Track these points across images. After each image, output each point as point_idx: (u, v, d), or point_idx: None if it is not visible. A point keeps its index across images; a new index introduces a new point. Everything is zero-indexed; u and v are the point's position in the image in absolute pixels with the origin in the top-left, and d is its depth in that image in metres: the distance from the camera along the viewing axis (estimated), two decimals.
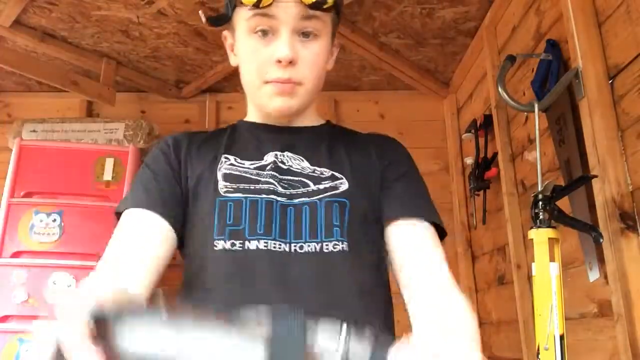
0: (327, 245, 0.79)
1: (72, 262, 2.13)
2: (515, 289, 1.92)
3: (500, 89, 1.54)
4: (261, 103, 0.87)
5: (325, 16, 0.83)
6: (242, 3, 0.80)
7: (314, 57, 0.83)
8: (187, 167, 0.87)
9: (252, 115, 0.94)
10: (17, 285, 2.08)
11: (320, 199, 0.82)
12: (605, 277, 1.31)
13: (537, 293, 1.10)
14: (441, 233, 0.86)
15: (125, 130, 2.44)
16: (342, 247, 0.79)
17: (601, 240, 1.15)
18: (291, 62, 0.80)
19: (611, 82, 1.33)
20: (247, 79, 0.86)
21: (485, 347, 2.48)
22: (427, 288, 0.77)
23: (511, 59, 1.59)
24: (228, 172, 0.84)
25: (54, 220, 2.18)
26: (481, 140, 2.33)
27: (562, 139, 1.56)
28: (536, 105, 1.45)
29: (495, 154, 2.19)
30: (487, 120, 2.24)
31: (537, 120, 1.42)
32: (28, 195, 2.23)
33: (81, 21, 2.23)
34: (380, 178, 0.87)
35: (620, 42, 1.29)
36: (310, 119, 0.93)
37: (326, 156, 0.87)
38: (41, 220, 2.17)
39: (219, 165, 0.85)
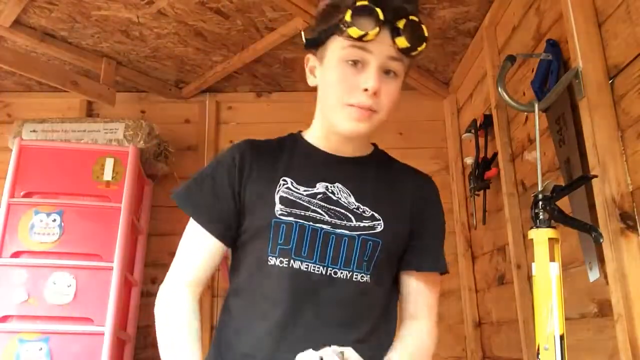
0: (356, 275, 0.95)
1: (72, 262, 2.13)
2: (515, 289, 1.92)
3: (500, 89, 1.54)
4: (335, 123, 0.98)
5: (407, 60, 0.96)
6: (347, 35, 0.90)
7: (392, 93, 0.95)
8: (247, 186, 0.99)
9: (315, 136, 1.05)
10: (17, 285, 2.08)
11: (358, 235, 0.96)
12: (605, 277, 1.31)
13: (537, 293, 1.10)
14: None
15: (125, 130, 2.44)
16: (367, 279, 0.96)
17: (601, 240, 1.15)
18: (375, 93, 0.92)
19: (611, 82, 1.33)
20: (330, 99, 0.97)
21: (486, 347, 2.48)
22: (410, 327, 1.03)
23: (511, 59, 1.59)
24: (285, 195, 0.97)
25: (54, 220, 2.18)
26: (481, 140, 2.33)
27: (562, 139, 1.56)
28: (536, 105, 1.45)
29: (495, 154, 2.19)
30: (487, 120, 2.24)
31: (537, 120, 1.42)
32: (28, 195, 2.23)
33: (81, 21, 2.23)
34: (410, 225, 1.03)
35: (620, 42, 1.29)
36: (361, 148, 1.07)
37: (370, 195, 1.00)
38: (41, 220, 2.17)
39: (278, 188, 0.97)
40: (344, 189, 1.00)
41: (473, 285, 2.59)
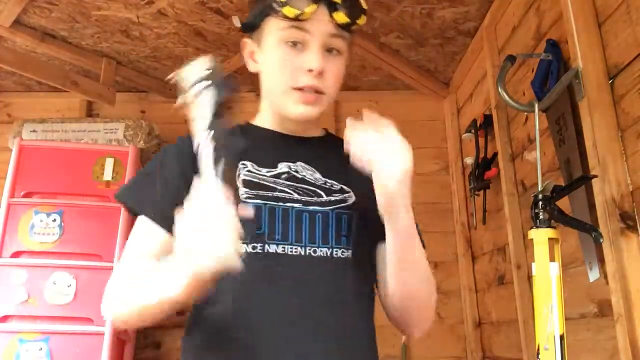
0: (336, 251, 0.90)
1: (72, 262, 2.13)
2: (515, 289, 1.92)
3: (500, 89, 1.54)
4: (284, 108, 0.94)
5: (348, 36, 0.92)
6: (282, 15, 0.86)
7: (337, 71, 0.92)
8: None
9: (265, 120, 1.00)
10: (17, 285, 2.08)
11: (332, 210, 0.91)
12: (605, 277, 1.31)
13: (537, 293, 1.10)
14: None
15: (125, 130, 2.44)
16: (348, 255, 0.91)
17: (601, 240, 1.15)
18: (320, 73, 0.89)
19: (611, 82, 1.33)
20: (274, 84, 0.93)
21: (486, 347, 2.48)
22: None
23: (511, 59, 1.59)
24: (247, 178, 0.91)
25: (54, 220, 2.18)
26: (481, 140, 2.33)
27: (562, 139, 1.56)
28: (536, 105, 1.45)
29: (495, 154, 2.19)
30: (487, 120, 2.24)
31: (537, 120, 1.42)
32: (28, 195, 2.23)
33: (81, 21, 2.23)
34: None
35: (620, 42, 1.29)
36: (315, 130, 1.02)
37: (335, 170, 0.95)
38: (41, 220, 2.17)
39: (238, 172, 0.91)
40: (306, 166, 0.95)
41: (473, 285, 2.59)
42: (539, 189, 1.20)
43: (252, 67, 0.98)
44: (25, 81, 2.73)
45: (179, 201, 0.81)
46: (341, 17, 0.88)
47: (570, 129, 1.51)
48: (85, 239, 2.19)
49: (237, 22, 0.94)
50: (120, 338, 2.19)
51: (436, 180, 2.80)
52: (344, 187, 0.94)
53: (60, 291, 2.09)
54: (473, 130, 2.36)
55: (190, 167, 0.86)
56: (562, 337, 1.05)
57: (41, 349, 2.01)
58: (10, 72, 2.50)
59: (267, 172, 0.92)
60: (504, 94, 1.53)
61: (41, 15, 2.20)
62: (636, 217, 1.24)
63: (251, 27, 0.95)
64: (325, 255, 0.89)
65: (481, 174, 2.27)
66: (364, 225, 0.93)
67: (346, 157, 0.94)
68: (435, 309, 0.96)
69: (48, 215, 2.19)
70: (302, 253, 0.88)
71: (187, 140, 0.92)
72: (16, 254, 2.14)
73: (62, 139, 2.41)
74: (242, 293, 0.84)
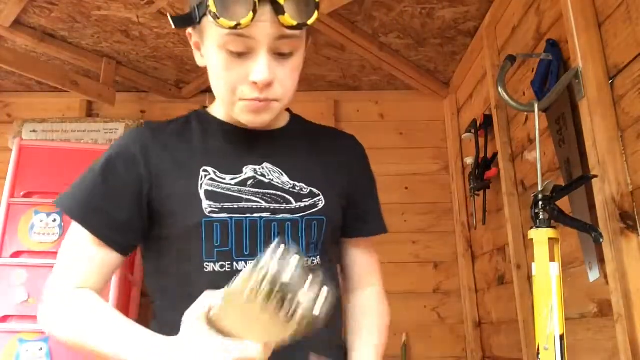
0: (306, 260, 0.85)
1: None
2: (515, 289, 1.92)
3: (500, 89, 1.54)
4: (234, 115, 0.86)
5: (301, 33, 0.81)
6: (219, 24, 0.75)
7: (290, 75, 0.82)
8: (159, 183, 0.83)
9: (222, 112, 0.92)
10: (17, 285, 2.08)
11: (302, 217, 0.85)
12: (605, 277, 1.31)
13: (537, 293, 1.10)
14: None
15: (125, 130, 2.44)
16: (317, 261, 0.87)
17: (601, 240, 1.15)
18: (268, 84, 0.79)
19: (611, 82, 1.33)
20: (218, 92, 0.85)
21: (486, 347, 2.48)
22: (359, 297, 0.97)
23: (511, 59, 1.59)
24: (210, 189, 0.83)
25: (54, 220, 2.18)
26: (481, 140, 2.33)
27: (562, 139, 1.56)
28: (536, 105, 1.45)
29: (495, 154, 2.19)
30: (487, 120, 2.24)
31: (537, 120, 1.42)
32: (28, 195, 2.23)
33: (81, 21, 2.24)
34: (346, 191, 0.94)
35: (620, 42, 1.29)
36: (277, 120, 0.91)
37: (302, 170, 0.90)
38: (41, 220, 2.18)
39: (200, 181, 0.83)
40: (273, 168, 0.87)
41: (473, 285, 2.59)
42: (539, 189, 1.20)
43: (199, 61, 0.89)
44: (25, 81, 2.73)
45: (128, 216, 0.82)
46: (288, 20, 0.76)
47: (570, 129, 1.51)
48: None
49: (170, 18, 0.82)
50: None
51: (436, 180, 2.81)
52: (314, 189, 0.88)
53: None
54: (473, 130, 2.36)
55: (147, 177, 0.83)
56: (562, 337, 1.05)
57: (41, 349, 2.01)
58: (10, 72, 2.50)
59: (232, 179, 0.85)
60: (504, 94, 1.53)
61: (41, 15, 2.20)
62: (636, 217, 1.24)
63: (189, 23, 0.83)
64: None
65: (481, 174, 2.27)
66: (332, 229, 0.90)
67: (312, 146, 0.93)
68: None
69: (48, 215, 2.19)
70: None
71: (138, 138, 0.87)
72: (16, 254, 2.14)
73: (62, 139, 2.41)
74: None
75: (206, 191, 0.82)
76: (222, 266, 0.81)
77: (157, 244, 0.86)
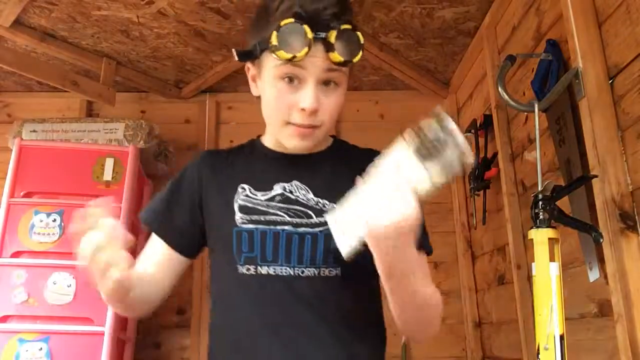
0: (323, 271, 0.93)
1: (72, 262, 2.12)
2: (515, 289, 1.92)
3: (500, 89, 1.54)
4: (280, 139, 0.97)
5: (346, 69, 0.93)
6: (278, 56, 0.86)
7: (334, 105, 0.93)
8: (207, 198, 1.01)
9: (270, 140, 1.05)
10: (17, 285, 2.08)
11: (321, 231, 0.94)
12: (605, 277, 1.31)
13: (537, 293, 1.10)
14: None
15: (125, 130, 2.44)
16: (337, 273, 0.94)
17: (601, 240, 1.15)
18: (314, 111, 0.90)
19: (611, 82, 1.33)
20: (270, 117, 0.97)
21: (486, 347, 2.48)
22: None
23: (511, 59, 1.59)
24: (243, 203, 0.97)
25: (54, 220, 2.18)
26: (481, 140, 2.33)
27: (562, 139, 1.56)
28: (536, 105, 1.45)
29: (495, 154, 2.19)
30: (487, 120, 2.24)
31: (537, 120, 1.42)
32: (28, 195, 2.23)
33: (81, 21, 2.23)
34: None
35: (620, 42, 1.29)
36: (318, 147, 1.01)
37: (328, 188, 0.97)
38: (41, 220, 2.17)
39: (236, 197, 0.98)
40: (301, 185, 0.98)
41: (473, 285, 2.59)
42: (539, 189, 1.20)
43: (254, 91, 1.01)
44: (25, 81, 2.73)
45: (184, 222, 1.01)
46: (336, 57, 0.88)
47: (570, 129, 1.51)
48: None
49: (235, 54, 0.94)
50: (120, 338, 2.19)
51: None
52: (336, 205, 0.92)
53: (60, 291, 2.09)
54: (473, 130, 2.36)
55: (199, 191, 1.01)
56: (562, 337, 1.05)
57: (41, 349, 2.01)
58: (10, 72, 2.50)
59: (262, 195, 0.97)
60: (504, 94, 1.53)
61: (41, 15, 2.20)
62: (636, 217, 1.24)
63: (251, 57, 0.95)
64: (312, 275, 0.93)
65: (481, 174, 2.27)
66: None
67: (344, 167, 0.99)
68: (439, 324, 1.00)
69: (48, 215, 2.19)
70: (291, 273, 0.93)
71: (197, 161, 1.06)
72: (16, 254, 2.14)
73: (62, 139, 2.41)
74: (241, 308, 0.95)
75: (240, 205, 0.97)
76: (247, 269, 0.94)
77: (210, 251, 1.03)
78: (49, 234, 2.16)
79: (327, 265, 0.93)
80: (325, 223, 0.92)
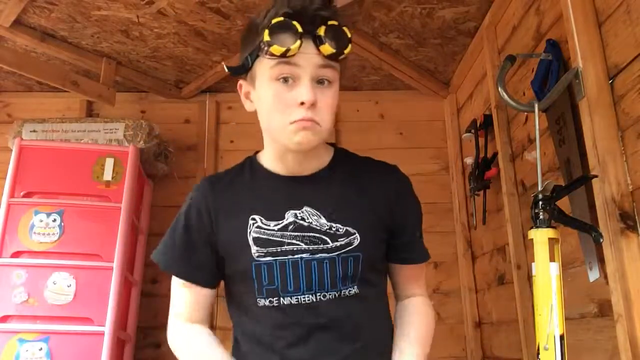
0: (344, 291, 0.98)
1: (72, 262, 2.13)
2: (515, 289, 1.92)
3: (500, 89, 1.53)
4: (285, 142, 0.97)
5: (337, 65, 0.95)
6: (270, 54, 0.90)
7: (329, 102, 0.95)
8: (219, 231, 1.01)
9: (270, 158, 1.05)
10: (17, 285, 2.08)
11: (338, 255, 0.98)
12: (605, 277, 1.31)
13: (537, 293, 1.10)
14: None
15: (125, 130, 2.44)
16: (355, 290, 0.99)
17: (601, 240, 1.15)
18: (313, 105, 0.92)
19: (611, 82, 1.33)
20: (271, 121, 0.97)
21: (486, 347, 2.48)
22: (406, 302, 1.10)
23: (511, 59, 1.59)
24: (257, 235, 0.98)
25: (54, 220, 2.18)
26: (481, 140, 2.33)
27: (562, 139, 1.56)
28: (536, 105, 1.45)
29: (495, 154, 2.19)
30: (487, 120, 2.24)
31: (537, 120, 1.42)
32: (28, 195, 2.23)
33: (81, 21, 2.23)
34: (388, 224, 1.04)
35: (620, 42, 1.29)
36: (319, 159, 1.05)
37: (339, 211, 1.01)
38: (41, 220, 2.17)
39: (249, 229, 0.99)
40: (312, 211, 1.00)
41: (473, 285, 2.59)
42: (539, 189, 1.20)
43: (248, 107, 1.03)
44: (25, 81, 2.73)
45: (204, 258, 1.02)
46: (327, 48, 0.91)
47: (570, 129, 1.51)
48: (85, 239, 2.19)
49: (226, 68, 1.00)
50: (120, 338, 2.19)
51: (436, 180, 2.81)
52: (349, 229, 0.99)
53: (60, 291, 2.09)
54: (473, 130, 2.36)
55: (209, 224, 1.01)
56: (562, 337, 1.05)
57: (41, 349, 2.01)
58: (10, 72, 2.50)
59: (275, 225, 0.99)
60: (504, 94, 1.53)
61: (41, 15, 2.20)
62: (636, 217, 1.24)
63: (243, 70, 0.99)
64: (333, 297, 0.98)
65: (481, 174, 2.27)
66: (370, 261, 1.01)
67: (351, 185, 1.05)
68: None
69: (48, 215, 2.19)
70: (314, 300, 0.97)
71: (201, 194, 1.05)
72: (16, 254, 2.14)
73: (62, 139, 2.41)
74: (265, 334, 0.99)
75: (254, 238, 0.98)
76: (270, 302, 0.98)
77: (227, 280, 1.06)
78: (49, 234, 2.16)
79: (347, 286, 0.98)
80: (341, 247, 0.99)
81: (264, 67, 0.94)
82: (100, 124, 2.48)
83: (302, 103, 0.91)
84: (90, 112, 2.87)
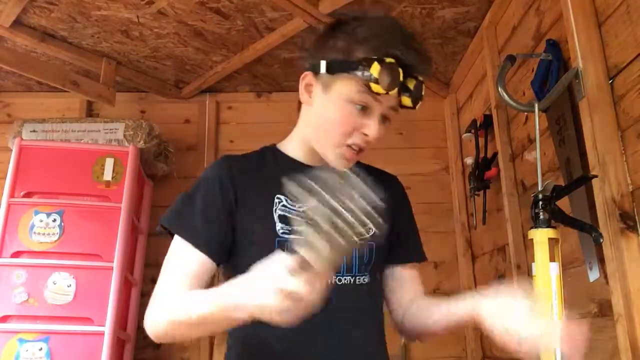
0: (358, 279, 1.02)
1: (72, 262, 2.13)
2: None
3: (500, 89, 1.54)
4: (326, 156, 1.01)
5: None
6: (367, 86, 0.92)
7: (381, 136, 0.99)
8: (242, 206, 1.01)
9: (294, 150, 1.08)
10: (17, 285, 2.08)
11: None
12: (605, 277, 1.31)
13: (537, 293, 1.10)
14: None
15: (125, 130, 2.44)
16: (367, 280, 1.03)
17: (601, 240, 1.15)
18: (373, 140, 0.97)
19: (611, 82, 1.33)
20: (328, 134, 0.99)
21: (486, 347, 2.48)
22: (418, 302, 1.11)
23: (511, 59, 1.59)
24: (283, 214, 1.00)
25: (54, 220, 2.18)
26: (481, 140, 2.33)
27: (562, 139, 1.56)
28: (536, 105, 1.45)
29: (495, 154, 2.19)
30: (487, 120, 2.24)
31: (537, 120, 1.42)
32: (28, 195, 2.23)
33: (81, 21, 2.23)
34: (392, 223, 1.06)
35: (620, 42, 1.29)
36: None
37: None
38: (41, 220, 2.17)
39: (275, 207, 1.00)
40: None
41: (473, 285, 2.59)
42: (539, 189, 1.20)
43: (305, 100, 1.03)
44: (25, 81, 2.73)
45: (220, 230, 0.99)
46: (407, 101, 0.96)
47: (570, 129, 1.51)
48: (85, 239, 2.19)
49: (324, 67, 0.97)
50: (120, 338, 2.19)
51: (436, 180, 2.80)
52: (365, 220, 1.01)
53: (60, 291, 2.09)
54: (473, 130, 2.36)
55: (233, 199, 1.00)
56: None
57: (41, 349, 2.01)
58: (10, 72, 2.50)
59: (299, 207, 0.99)
60: (504, 94, 1.53)
61: (41, 15, 2.20)
62: (636, 217, 1.24)
63: (335, 71, 0.97)
64: (348, 282, 1.01)
65: (481, 174, 2.27)
66: (380, 254, 1.06)
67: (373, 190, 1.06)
68: None
69: (48, 215, 2.19)
70: (330, 282, 0.96)
71: (225, 168, 1.04)
72: (16, 254, 2.14)
73: (62, 139, 2.41)
74: None
75: (279, 215, 1.00)
76: None
77: (234, 259, 1.02)
78: (49, 234, 2.16)
79: (361, 274, 1.02)
80: (359, 234, 1.00)
81: (347, 85, 0.95)
82: (100, 124, 2.48)
83: (366, 135, 0.96)
84: (90, 112, 2.87)
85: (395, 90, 0.92)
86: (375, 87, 0.91)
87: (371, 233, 1.00)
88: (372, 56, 0.92)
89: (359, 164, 1.15)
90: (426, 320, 1.06)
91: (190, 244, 0.98)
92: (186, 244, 0.98)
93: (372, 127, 0.96)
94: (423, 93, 0.98)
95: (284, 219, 0.99)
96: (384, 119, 0.99)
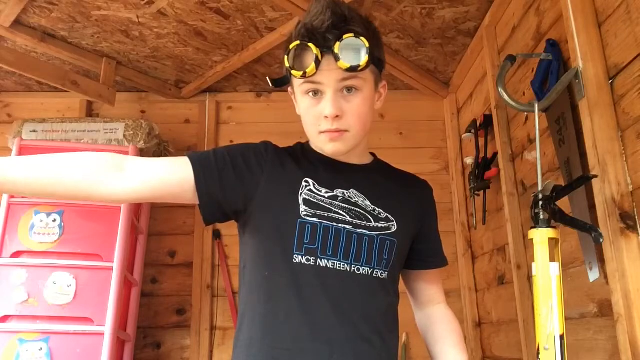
0: (376, 272, 1.04)
1: (72, 262, 2.13)
2: (515, 289, 1.92)
3: (500, 89, 1.53)
4: (319, 147, 1.07)
5: (363, 73, 0.99)
6: (293, 75, 0.98)
7: (356, 109, 1.00)
8: (269, 182, 1.02)
9: (315, 146, 1.12)
10: (17, 285, 2.08)
11: (377, 235, 1.04)
12: (605, 277, 1.31)
13: (537, 293, 1.10)
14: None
15: (125, 130, 2.44)
16: (385, 276, 1.05)
17: (601, 240, 1.14)
18: (337, 117, 0.98)
19: (611, 82, 1.33)
20: (307, 129, 1.05)
21: (486, 347, 2.48)
22: (432, 311, 1.19)
23: (511, 59, 1.59)
24: (307, 197, 1.02)
25: (54, 220, 2.18)
26: (481, 140, 2.33)
27: (562, 139, 1.56)
28: (536, 105, 1.45)
29: (495, 154, 2.19)
30: (487, 120, 2.24)
31: (537, 120, 1.42)
32: None
33: (81, 21, 2.24)
34: (417, 226, 1.14)
35: (620, 42, 1.29)
36: (362, 157, 1.13)
37: (382, 198, 1.08)
38: (41, 220, 2.17)
39: (301, 190, 1.03)
40: (358, 194, 1.06)
41: (473, 285, 2.59)
42: (539, 189, 1.20)
43: (297, 110, 1.09)
44: (25, 81, 2.74)
45: (226, 183, 0.99)
46: (343, 64, 0.95)
47: (570, 129, 1.51)
48: (85, 239, 2.19)
49: (269, 81, 1.06)
50: (120, 338, 2.19)
51: (436, 180, 2.80)
52: (389, 215, 1.07)
53: (60, 291, 2.09)
54: (473, 130, 2.36)
55: (262, 169, 1.02)
56: (562, 337, 1.05)
57: (41, 349, 2.01)
58: (10, 72, 2.51)
59: (326, 192, 1.04)
60: (504, 94, 1.53)
61: (41, 15, 2.20)
62: (636, 217, 1.24)
63: (283, 83, 1.06)
64: (366, 273, 1.02)
65: (481, 174, 2.27)
66: (400, 252, 1.08)
67: (392, 183, 1.13)
68: None
69: (48, 215, 2.19)
70: (347, 269, 1.00)
71: (262, 146, 1.07)
72: (16, 254, 2.14)
73: (62, 139, 2.41)
74: (293, 295, 0.99)
75: (304, 199, 1.02)
76: (307, 260, 0.99)
77: (254, 235, 1.04)
78: (49, 234, 2.17)
79: (380, 268, 1.04)
80: (381, 229, 1.05)
81: (295, 83, 1.03)
82: (100, 124, 2.48)
83: (326, 117, 0.98)
84: (90, 112, 2.87)
85: (312, 65, 0.95)
86: (295, 74, 0.97)
87: (392, 229, 1.05)
88: (288, 49, 0.98)
89: (391, 167, 1.20)
90: (428, 342, 1.15)
91: (189, 162, 0.99)
92: (187, 161, 0.99)
93: (325, 108, 0.98)
94: (362, 44, 0.96)
95: (308, 203, 1.02)
96: (349, 89, 0.99)
